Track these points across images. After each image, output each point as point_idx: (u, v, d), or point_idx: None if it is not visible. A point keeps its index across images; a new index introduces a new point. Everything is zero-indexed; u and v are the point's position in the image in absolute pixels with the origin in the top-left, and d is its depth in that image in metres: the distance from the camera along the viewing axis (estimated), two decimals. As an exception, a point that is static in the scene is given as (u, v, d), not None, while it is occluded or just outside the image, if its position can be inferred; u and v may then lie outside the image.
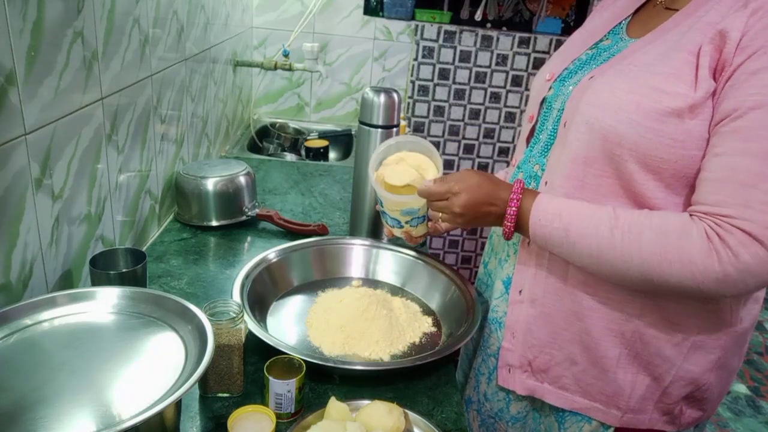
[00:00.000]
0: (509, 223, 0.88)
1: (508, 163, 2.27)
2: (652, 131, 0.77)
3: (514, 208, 0.87)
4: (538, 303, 0.92)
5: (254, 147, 2.18)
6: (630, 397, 0.89)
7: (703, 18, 0.78)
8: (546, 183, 0.90)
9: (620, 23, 0.95)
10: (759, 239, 0.71)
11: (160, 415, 0.66)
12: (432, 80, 2.45)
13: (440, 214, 0.94)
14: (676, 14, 0.83)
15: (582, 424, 0.93)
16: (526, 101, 1.17)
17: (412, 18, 2.35)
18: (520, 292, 0.95)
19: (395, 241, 1.32)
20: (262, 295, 1.10)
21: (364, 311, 1.06)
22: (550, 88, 0.95)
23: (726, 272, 0.73)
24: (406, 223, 1.02)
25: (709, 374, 0.87)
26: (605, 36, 0.95)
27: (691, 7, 0.82)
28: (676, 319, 0.84)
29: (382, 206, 1.04)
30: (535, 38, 2.37)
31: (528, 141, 0.99)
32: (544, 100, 0.96)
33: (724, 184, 0.73)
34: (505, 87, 2.47)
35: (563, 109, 0.89)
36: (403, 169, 0.99)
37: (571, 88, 0.90)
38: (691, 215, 0.76)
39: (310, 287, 1.18)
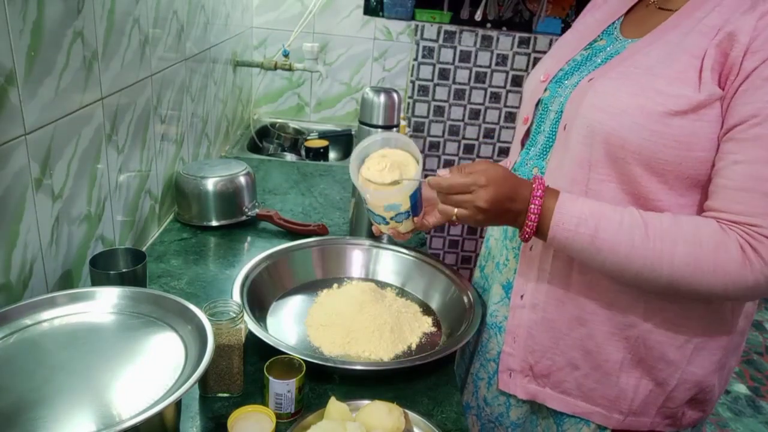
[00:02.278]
0: (531, 223, 0.81)
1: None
2: (656, 134, 0.77)
3: (536, 206, 0.81)
4: (539, 308, 0.92)
5: (254, 147, 2.18)
6: (633, 401, 0.88)
7: (704, 20, 0.78)
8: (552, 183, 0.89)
9: (613, 23, 0.94)
10: None
11: (160, 415, 0.66)
12: (432, 80, 2.45)
13: (455, 210, 0.84)
14: (673, 15, 0.83)
15: (581, 425, 0.93)
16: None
17: (412, 18, 2.35)
18: (522, 297, 0.94)
19: (395, 241, 1.33)
20: (262, 295, 1.10)
21: (364, 311, 1.06)
22: (546, 89, 0.94)
23: (758, 281, 0.74)
24: (391, 219, 1.01)
25: (712, 376, 0.87)
26: (599, 36, 0.94)
27: (688, 7, 0.81)
28: (679, 321, 0.84)
29: (366, 204, 1.03)
30: (535, 38, 2.37)
31: (523, 143, 0.99)
32: (539, 102, 0.95)
33: (750, 193, 0.73)
34: (505, 87, 2.47)
35: (562, 112, 0.88)
36: (385, 165, 0.98)
37: (568, 90, 0.89)
38: (719, 223, 0.76)
39: (310, 287, 1.18)
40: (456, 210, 0.85)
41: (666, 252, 0.75)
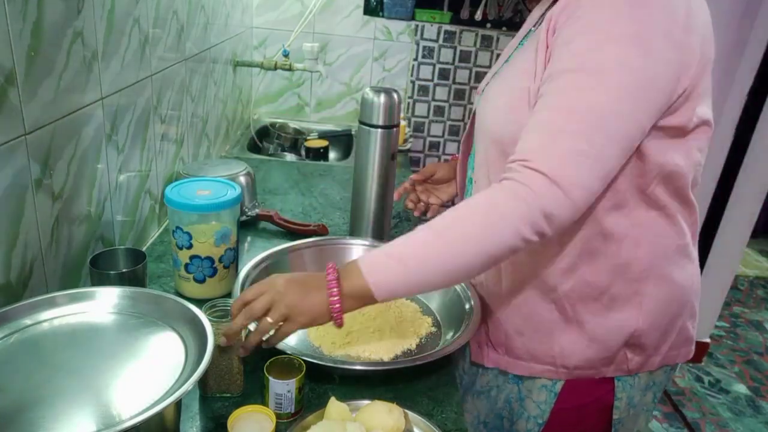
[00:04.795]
0: (335, 297, 0.80)
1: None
2: (520, 126, 0.82)
3: (332, 281, 0.81)
4: (485, 283, 1.02)
5: (254, 147, 2.18)
6: (573, 355, 0.95)
7: (548, 13, 0.85)
8: (475, 182, 1.00)
9: (531, 29, 0.98)
10: (552, 179, 0.74)
11: (160, 415, 0.66)
12: (432, 80, 2.45)
13: (268, 320, 0.82)
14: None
15: (536, 382, 0.99)
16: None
17: (412, 18, 2.35)
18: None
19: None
20: (262, 295, 1.10)
21: (364, 311, 1.05)
22: (479, 101, 1.02)
23: (544, 211, 0.75)
24: None
25: (636, 320, 0.92)
26: (519, 43, 0.99)
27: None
28: (591, 277, 0.90)
29: None
30: (535, 38, 2.37)
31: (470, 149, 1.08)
32: (475, 113, 1.04)
33: (532, 135, 0.79)
34: (505, 87, 2.47)
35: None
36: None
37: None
38: (501, 181, 0.80)
39: (310, 287, 1.18)
40: (269, 320, 0.82)
41: (457, 236, 0.78)
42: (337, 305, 0.81)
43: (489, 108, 0.94)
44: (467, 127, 1.07)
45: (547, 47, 0.83)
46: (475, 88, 2.45)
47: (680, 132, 0.83)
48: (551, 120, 0.78)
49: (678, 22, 0.76)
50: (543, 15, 0.94)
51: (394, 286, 0.80)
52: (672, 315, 0.96)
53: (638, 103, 0.77)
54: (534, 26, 0.97)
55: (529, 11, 1.03)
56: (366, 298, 0.81)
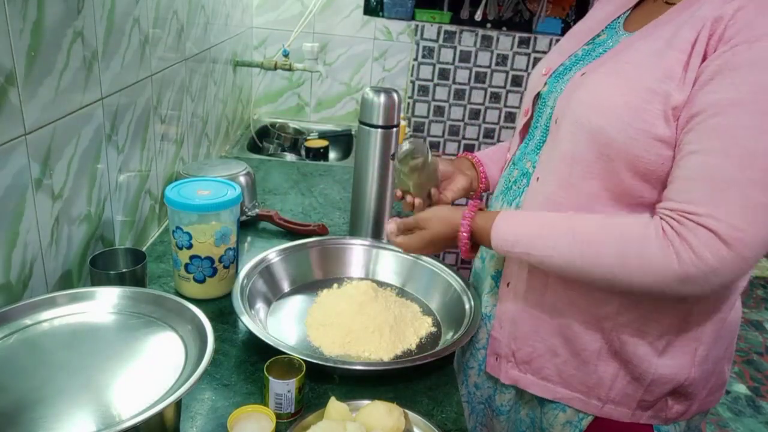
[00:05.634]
0: (464, 242, 0.91)
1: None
2: (642, 133, 0.76)
3: (466, 226, 0.91)
4: (522, 296, 0.93)
5: (254, 147, 2.18)
6: (611, 390, 0.89)
7: (698, 12, 0.76)
8: (537, 179, 0.90)
9: (618, 17, 0.92)
10: (723, 239, 0.69)
11: (160, 415, 0.66)
12: (432, 80, 2.45)
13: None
14: (671, 8, 0.82)
15: (557, 412, 0.94)
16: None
17: (412, 18, 2.35)
18: (508, 284, 0.96)
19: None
20: (262, 295, 1.10)
21: (364, 311, 1.06)
22: (546, 83, 0.94)
23: (687, 272, 0.71)
24: None
25: (689, 370, 0.86)
26: (603, 30, 0.93)
27: (687, 1, 0.80)
28: (652, 316, 0.84)
29: None
30: (535, 38, 2.37)
31: (522, 136, 1.00)
32: (539, 96, 0.95)
33: (696, 182, 0.72)
34: (505, 87, 2.47)
35: (555, 106, 0.88)
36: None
37: (564, 84, 0.89)
38: (655, 214, 0.76)
39: (310, 287, 1.18)
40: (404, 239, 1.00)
41: (592, 256, 0.78)
42: (465, 234, 0.90)
43: (594, 101, 0.80)
44: (527, 113, 0.98)
45: (705, 57, 0.72)
46: (476, 88, 2.45)
47: None
48: (723, 166, 0.70)
49: None
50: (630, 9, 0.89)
51: (513, 238, 0.85)
52: (717, 359, 0.90)
53: None
54: (615, 21, 0.91)
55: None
56: (484, 237, 0.88)
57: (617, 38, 0.89)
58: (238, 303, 1.00)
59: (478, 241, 0.91)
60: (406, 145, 1.02)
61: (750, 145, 0.68)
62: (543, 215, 0.86)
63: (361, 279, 1.22)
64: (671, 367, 0.86)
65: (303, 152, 2.20)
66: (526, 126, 0.98)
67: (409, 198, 1.07)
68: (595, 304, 0.86)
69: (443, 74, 2.44)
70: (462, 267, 2.75)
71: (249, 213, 1.42)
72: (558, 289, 0.89)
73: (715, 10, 0.73)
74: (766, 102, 0.68)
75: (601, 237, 0.78)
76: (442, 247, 0.97)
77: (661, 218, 0.75)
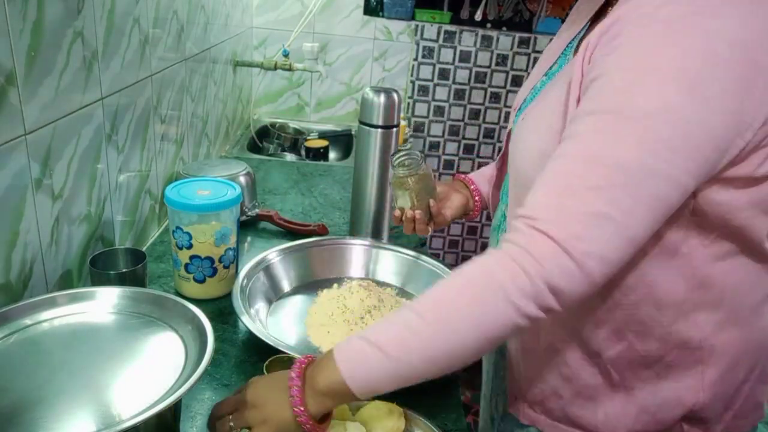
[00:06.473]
0: (295, 395, 0.69)
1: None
2: None
3: (296, 378, 0.70)
4: (518, 338, 0.88)
5: (254, 147, 2.18)
6: (620, 426, 0.83)
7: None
8: (505, 217, 0.90)
9: (570, 44, 0.85)
10: (565, 249, 0.62)
11: (160, 415, 0.66)
12: (432, 80, 2.45)
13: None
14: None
15: None
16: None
17: (412, 18, 2.35)
18: None
19: (395, 241, 1.33)
20: (262, 295, 1.10)
21: (364, 311, 1.06)
22: (514, 120, 0.91)
23: (551, 285, 0.63)
24: None
25: (697, 394, 0.79)
26: (556, 59, 0.87)
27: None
28: (641, 346, 0.78)
29: None
30: (535, 38, 2.37)
31: (505, 170, 0.96)
32: (510, 132, 0.92)
33: (543, 187, 0.67)
34: (505, 87, 2.48)
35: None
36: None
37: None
38: (497, 249, 0.68)
39: (310, 287, 1.18)
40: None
41: (446, 315, 0.67)
42: (304, 417, 0.68)
43: (521, 144, 0.80)
44: (503, 145, 0.94)
45: (581, 83, 0.69)
46: (476, 88, 2.45)
47: (749, 182, 0.68)
48: (568, 171, 0.65)
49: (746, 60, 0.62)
50: (581, 38, 0.81)
51: (376, 382, 0.68)
52: (740, 381, 0.81)
53: (679, 160, 0.62)
54: (568, 48, 0.85)
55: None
56: (343, 396, 0.68)
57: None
58: (238, 303, 1.00)
59: (315, 408, 0.69)
60: (400, 152, 1.02)
61: (596, 151, 0.64)
62: (382, 323, 0.72)
63: (361, 279, 1.22)
64: (676, 390, 0.79)
65: (303, 152, 2.20)
66: (504, 160, 0.96)
67: (409, 213, 1.03)
68: (583, 341, 0.80)
69: (443, 74, 2.44)
70: (462, 267, 2.75)
71: (249, 213, 1.42)
72: (551, 327, 0.83)
73: (594, 33, 0.70)
74: (617, 107, 0.64)
75: (450, 288, 0.69)
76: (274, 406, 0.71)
77: (505, 237, 0.68)
